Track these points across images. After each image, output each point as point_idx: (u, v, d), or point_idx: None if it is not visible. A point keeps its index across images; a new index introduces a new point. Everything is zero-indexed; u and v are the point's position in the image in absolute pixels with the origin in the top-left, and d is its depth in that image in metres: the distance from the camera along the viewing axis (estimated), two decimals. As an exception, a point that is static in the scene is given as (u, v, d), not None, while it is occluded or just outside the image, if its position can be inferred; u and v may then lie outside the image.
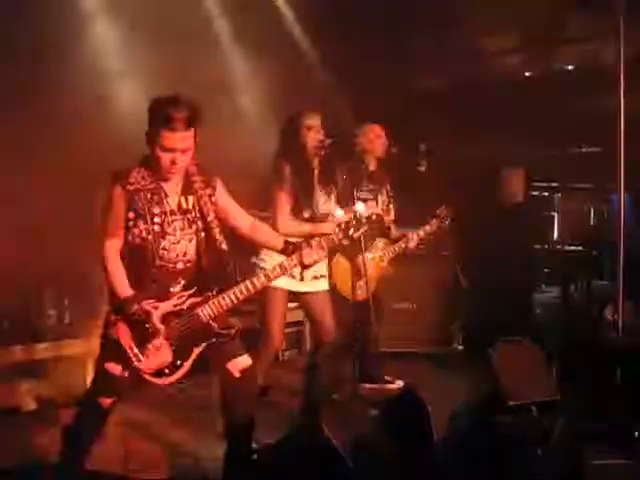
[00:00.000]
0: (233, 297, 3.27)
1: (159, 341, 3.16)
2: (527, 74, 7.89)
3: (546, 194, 10.12)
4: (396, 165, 5.21)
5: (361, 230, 3.51)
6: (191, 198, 3.29)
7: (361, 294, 4.51)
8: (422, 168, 5.07)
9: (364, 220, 3.50)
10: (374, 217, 3.57)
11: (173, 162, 3.13)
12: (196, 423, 4.51)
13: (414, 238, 5.15)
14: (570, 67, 7.77)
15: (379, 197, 5.24)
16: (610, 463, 3.72)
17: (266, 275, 3.37)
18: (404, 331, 6.05)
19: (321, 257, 3.50)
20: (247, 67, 6.78)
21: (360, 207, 3.55)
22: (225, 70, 6.65)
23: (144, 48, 5.70)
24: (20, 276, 4.90)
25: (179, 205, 3.27)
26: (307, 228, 4.29)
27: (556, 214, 10.03)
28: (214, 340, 3.30)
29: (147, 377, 3.21)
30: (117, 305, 3.16)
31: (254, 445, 3.66)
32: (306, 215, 4.37)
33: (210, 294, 3.27)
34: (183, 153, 3.14)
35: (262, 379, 4.45)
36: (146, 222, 3.17)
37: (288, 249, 3.47)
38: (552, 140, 7.64)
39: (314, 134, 4.39)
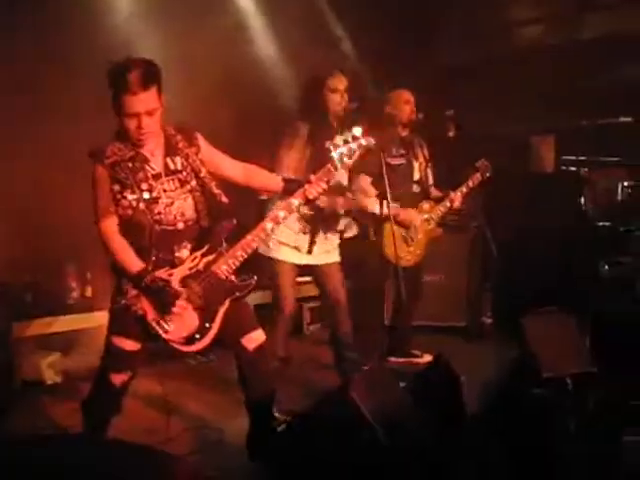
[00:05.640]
0: (246, 247, 3.20)
1: (182, 303, 3.09)
2: (552, 43, 7.68)
3: (573, 169, 9.93)
4: (424, 131, 5.09)
5: (356, 153, 3.33)
6: (178, 159, 3.18)
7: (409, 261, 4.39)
8: (451, 133, 4.94)
9: (353, 142, 3.30)
10: (363, 141, 3.33)
11: (139, 127, 3.01)
12: (218, 396, 4.47)
13: (458, 195, 5.03)
14: (596, 35, 7.55)
15: (414, 162, 5.08)
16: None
17: (273, 218, 3.25)
18: (433, 304, 5.89)
19: (324, 190, 3.31)
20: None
21: (357, 131, 3.34)
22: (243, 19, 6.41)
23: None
24: (42, 250, 4.88)
25: (166, 167, 3.16)
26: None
27: (584, 189, 9.86)
28: (237, 294, 3.24)
29: (179, 347, 3.14)
30: (131, 279, 3.07)
31: (277, 416, 3.66)
32: None
33: (222, 249, 3.20)
34: (149, 115, 3.01)
35: (283, 350, 4.39)
36: (133, 191, 3.06)
37: (289, 188, 3.34)
38: (583, 111, 7.46)
39: (338, 97, 4.22)
